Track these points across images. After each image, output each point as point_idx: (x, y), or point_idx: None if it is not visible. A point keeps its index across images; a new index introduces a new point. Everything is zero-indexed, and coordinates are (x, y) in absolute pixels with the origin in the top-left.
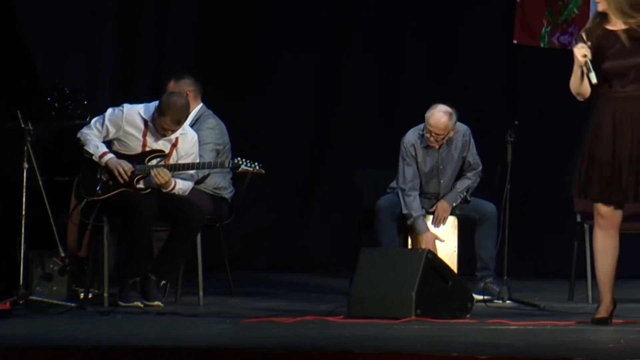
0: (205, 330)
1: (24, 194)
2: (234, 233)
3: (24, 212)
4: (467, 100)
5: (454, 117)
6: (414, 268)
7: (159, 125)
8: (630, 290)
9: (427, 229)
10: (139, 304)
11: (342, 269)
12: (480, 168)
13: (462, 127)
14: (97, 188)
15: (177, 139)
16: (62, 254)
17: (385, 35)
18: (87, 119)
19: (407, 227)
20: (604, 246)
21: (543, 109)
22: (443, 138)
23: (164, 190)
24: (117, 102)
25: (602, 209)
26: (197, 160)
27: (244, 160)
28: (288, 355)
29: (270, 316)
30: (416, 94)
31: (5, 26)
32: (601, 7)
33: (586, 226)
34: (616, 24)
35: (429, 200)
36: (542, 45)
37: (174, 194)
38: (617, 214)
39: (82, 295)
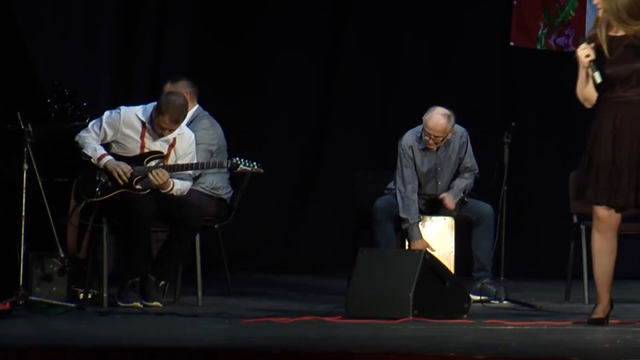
0: (204, 330)
1: (24, 195)
2: (233, 233)
3: (23, 213)
4: (464, 101)
5: (452, 119)
6: (411, 269)
7: (158, 124)
8: (627, 291)
9: (421, 237)
10: (138, 304)
11: (340, 269)
12: (477, 170)
13: (459, 129)
14: (97, 189)
15: (174, 139)
16: (62, 255)
17: (384, 37)
18: (87, 121)
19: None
20: (602, 248)
21: (540, 111)
22: (442, 140)
23: (162, 191)
24: (116, 104)
25: (601, 212)
26: (195, 160)
27: (242, 160)
28: (286, 355)
29: (268, 316)
30: (414, 96)
31: (5, 28)
32: (601, 14)
33: (582, 227)
34: (618, 30)
35: (427, 202)
36: (538, 47)
37: (172, 194)
38: (616, 217)
39: (81, 295)
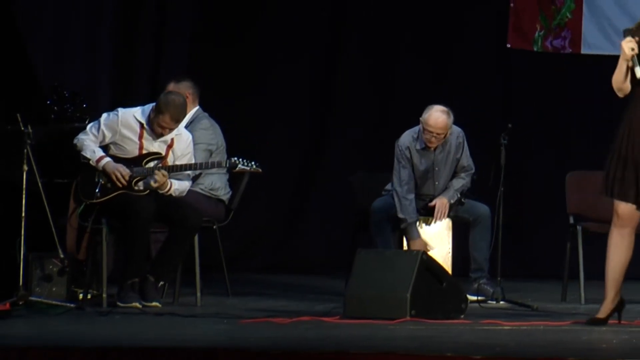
0: (203, 330)
1: (24, 196)
2: (231, 234)
3: (23, 214)
4: (464, 102)
5: (451, 116)
6: (409, 269)
7: (157, 124)
8: (626, 291)
9: (419, 236)
10: (137, 304)
11: (338, 269)
12: (473, 170)
13: (455, 129)
14: (96, 191)
15: (172, 140)
16: (62, 256)
17: (383, 37)
18: (86, 122)
19: (401, 229)
20: (616, 243)
21: (537, 112)
22: (444, 137)
23: (161, 192)
24: (115, 104)
25: (621, 207)
26: (193, 160)
27: (241, 159)
28: (284, 355)
29: (267, 317)
30: (414, 96)
31: (5, 30)
32: None
33: (579, 228)
34: None
35: (424, 202)
36: (535, 49)
37: (171, 195)
38: (636, 215)
39: (81, 296)
